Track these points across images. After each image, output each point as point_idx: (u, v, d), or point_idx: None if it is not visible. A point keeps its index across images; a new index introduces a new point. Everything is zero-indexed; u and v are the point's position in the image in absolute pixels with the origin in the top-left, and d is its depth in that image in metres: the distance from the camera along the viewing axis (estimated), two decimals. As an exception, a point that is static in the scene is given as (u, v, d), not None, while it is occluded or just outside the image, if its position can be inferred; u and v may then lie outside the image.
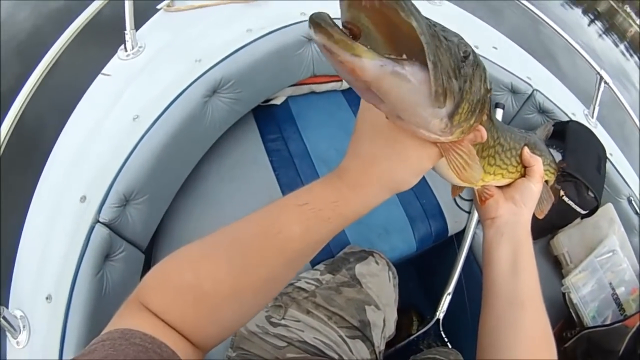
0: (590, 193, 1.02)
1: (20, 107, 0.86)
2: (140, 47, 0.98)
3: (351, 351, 0.78)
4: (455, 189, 0.56)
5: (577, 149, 1.02)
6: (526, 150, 0.52)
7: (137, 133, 0.87)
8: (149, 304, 0.36)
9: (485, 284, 0.53)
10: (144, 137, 0.87)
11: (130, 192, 0.84)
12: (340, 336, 0.78)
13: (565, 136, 1.03)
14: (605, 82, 1.12)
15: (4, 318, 0.65)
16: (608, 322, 1.07)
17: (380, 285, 0.88)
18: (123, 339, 0.32)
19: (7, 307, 0.69)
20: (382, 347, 0.88)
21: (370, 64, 0.24)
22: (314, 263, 0.93)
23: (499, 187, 0.55)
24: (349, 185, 0.37)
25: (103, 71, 0.96)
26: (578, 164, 1.00)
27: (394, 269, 0.92)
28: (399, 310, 1.23)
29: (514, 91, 1.09)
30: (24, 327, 0.69)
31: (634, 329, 0.98)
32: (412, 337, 1.11)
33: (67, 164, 0.84)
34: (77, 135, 0.86)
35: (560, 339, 1.11)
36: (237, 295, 0.36)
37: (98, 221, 0.79)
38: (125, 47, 0.96)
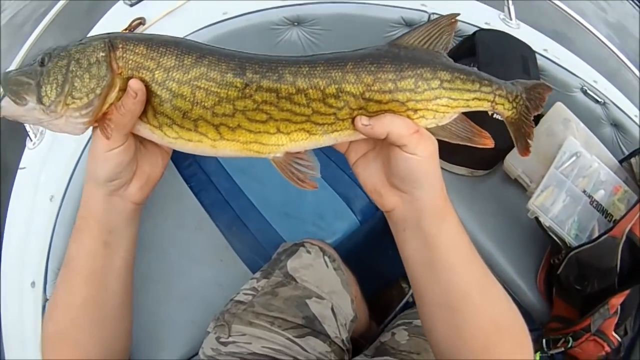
0: (523, 101, 0.91)
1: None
2: (41, 132, 0.99)
3: (305, 350, 0.75)
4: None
5: (491, 59, 0.91)
6: (356, 120, 0.39)
7: (55, 211, 0.89)
8: None
9: (410, 281, 0.46)
10: (59, 213, 0.88)
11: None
12: (288, 338, 0.75)
13: (476, 50, 0.92)
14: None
15: None
16: (596, 235, 0.96)
17: (316, 274, 0.83)
18: None
19: None
20: (345, 335, 0.83)
21: None
22: (254, 273, 0.90)
23: (375, 169, 0.44)
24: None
25: (20, 166, 1.00)
26: (497, 75, 0.89)
27: (331, 252, 0.86)
28: (386, 284, 1.17)
29: (409, 24, 1.00)
30: None
31: (623, 238, 0.87)
32: (398, 307, 1.05)
33: (16, 257, 0.87)
34: (17, 229, 0.89)
35: (550, 268, 1.01)
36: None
37: (47, 299, 0.82)
38: (29, 138, 0.97)
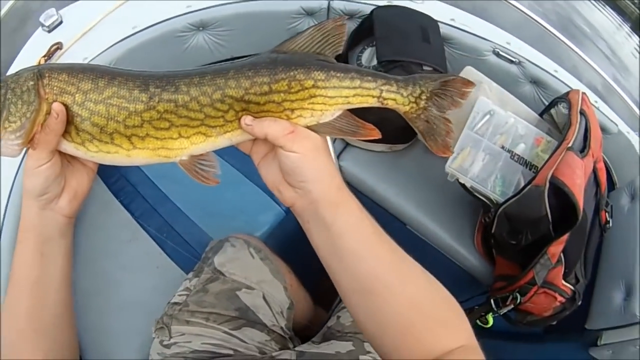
0: (426, 67, 0.93)
1: None
2: None
3: (243, 341, 0.76)
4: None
5: (388, 34, 0.93)
6: (242, 119, 0.43)
7: None
8: None
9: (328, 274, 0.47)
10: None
11: None
12: (225, 332, 0.76)
13: (373, 28, 0.95)
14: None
15: None
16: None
17: (243, 266, 0.84)
18: None
19: None
20: (283, 323, 0.83)
21: None
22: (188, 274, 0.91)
23: (273, 168, 0.46)
24: None
25: None
26: (395, 47, 0.91)
27: (255, 242, 0.87)
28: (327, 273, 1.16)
29: (310, 13, 1.02)
30: None
31: (546, 185, 0.87)
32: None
33: None
34: None
35: (485, 228, 1.01)
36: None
37: None
38: None
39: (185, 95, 0.42)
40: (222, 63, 0.44)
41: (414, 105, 0.45)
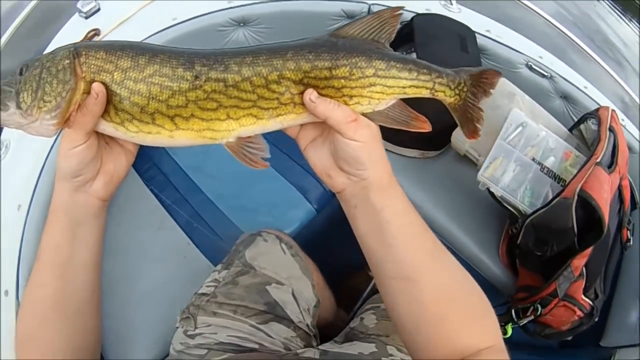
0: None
1: None
2: (6, 145, 1.02)
3: (269, 336, 0.76)
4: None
5: (428, 40, 0.94)
6: (306, 92, 0.42)
7: (22, 219, 0.91)
8: None
9: (368, 262, 0.48)
10: (27, 221, 0.91)
11: None
12: (252, 325, 0.75)
13: (413, 34, 0.96)
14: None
15: None
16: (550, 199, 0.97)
17: (274, 261, 0.84)
18: None
19: None
20: (309, 320, 0.84)
21: None
22: (216, 265, 0.91)
23: (323, 153, 0.46)
24: None
25: None
26: (434, 54, 0.92)
27: (287, 239, 0.88)
28: (351, 273, 1.17)
29: (350, 16, 1.04)
30: None
31: (575, 198, 0.88)
32: (365, 294, 1.06)
33: None
34: None
35: (510, 239, 1.02)
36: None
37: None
38: None
39: (236, 75, 0.41)
40: (268, 43, 0.43)
41: (458, 97, 0.47)
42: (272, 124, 0.44)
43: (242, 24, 1.03)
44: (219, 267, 0.88)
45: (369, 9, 1.05)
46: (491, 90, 0.48)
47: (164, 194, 0.99)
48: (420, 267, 0.44)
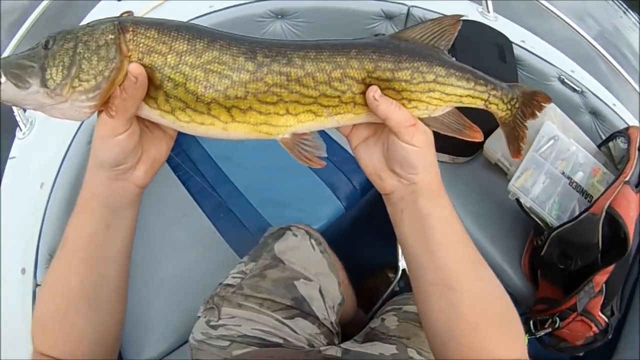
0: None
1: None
2: (31, 122, 1.01)
3: (294, 331, 0.75)
4: None
5: (468, 48, 0.94)
6: (370, 89, 0.41)
7: (45, 198, 0.91)
8: (39, 350, 0.44)
9: (406, 263, 0.48)
10: (50, 199, 0.90)
11: (54, 250, 0.88)
12: (278, 319, 0.75)
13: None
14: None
15: None
16: (577, 214, 0.97)
17: (303, 256, 0.83)
18: None
19: None
20: (333, 318, 0.83)
21: None
22: (242, 257, 0.91)
23: (375, 154, 0.45)
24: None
25: (9, 155, 1.02)
26: (474, 62, 0.92)
27: (317, 235, 0.87)
28: (371, 272, 1.17)
29: (389, 17, 1.03)
30: None
31: (602, 214, 0.89)
32: (385, 296, 1.05)
33: (5, 245, 0.88)
34: (6, 218, 0.91)
35: (534, 250, 1.02)
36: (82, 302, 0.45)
37: (38, 285, 0.84)
38: (19, 128, 1.00)
39: (299, 69, 0.39)
40: (329, 40, 0.42)
41: (509, 112, 0.47)
42: (329, 122, 0.42)
43: (280, 16, 1.03)
44: (245, 258, 0.87)
45: (408, 10, 1.05)
46: (538, 113, 0.48)
47: (192, 182, 0.98)
48: (461, 275, 0.44)
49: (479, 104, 0.45)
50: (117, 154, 0.40)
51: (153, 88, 0.38)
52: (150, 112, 0.39)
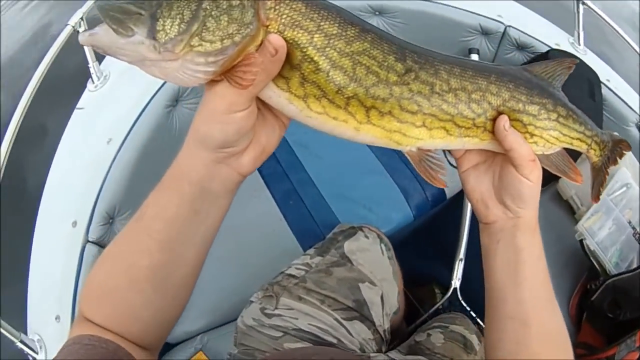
0: (589, 125, 0.94)
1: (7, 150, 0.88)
2: (105, 76, 1.00)
3: (350, 334, 0.75)
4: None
5: (562, 80, 0.94)
6: (502, 118, 0.40)
7: (111, 154, 0.90)
8: (86, 316, 0.42)
9: (486, 293, 0.48)
10: (117, 157, 0.90)
11: (112, 210, 0.88)
12: (336, 319, 0.74)
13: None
14: (584, 3, 1.03)
15: (23, 342, 0.72)
16: (634, 266, 0.98)
17: (372, 259, 0.83)
18: (75, 343, 0.39)
19: (25, 333, 0.74)
20: (387, 326, 0.84)
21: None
22: (305, 248, 0.90)
23: (484, 181, 0.45)
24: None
25: (77, 106, 1.00)
26: (568, 96, 0.92)
27: (386, 240, 0.87)
28: (418, 284, 1.17)
29: (485, 32, 1.02)
30: (40, 347, 0.75)
31: (662, 271, 0.90)
32: (430, 311, 1.06)
33: (59, 195, 0.89)
34: (64, 168, 0.91)
35: (585, 293, 1.03)
36: (138, 285, 0.41)
37: (88, 241, 0.84)
38: (92, 80, 0.99)
39: (444, 83, 0.37)
40: (468, 59, 0.42)
41: (601, 157, 0.48)
42: (456, 143, 0.41)
43: (378, 13, 1.01)
44: (311, 251, 0.86)
45: (505, 29, 1.03)
46: (620, 160, 0.50)
47: (264, 164, 0.97)
48: (538, 312, 0.45)
49: (583, 148, 0.47)
50: (230, 134, 0.35)
51: (288, 67, 0.33)
52: (276, 94, 0.35)
